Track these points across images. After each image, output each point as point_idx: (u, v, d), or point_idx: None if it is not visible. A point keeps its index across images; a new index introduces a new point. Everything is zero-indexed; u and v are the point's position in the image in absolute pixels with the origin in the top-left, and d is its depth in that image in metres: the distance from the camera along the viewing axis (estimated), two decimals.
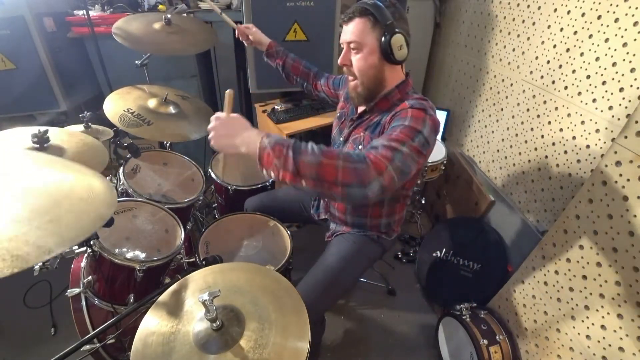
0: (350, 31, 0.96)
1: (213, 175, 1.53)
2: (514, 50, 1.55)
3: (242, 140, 0.77)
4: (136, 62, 1.60)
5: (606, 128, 1.13)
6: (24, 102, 1.86)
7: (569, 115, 1.27)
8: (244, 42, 1.47)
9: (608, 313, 1.00)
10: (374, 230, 1.21)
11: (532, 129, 1.46)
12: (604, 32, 1.12)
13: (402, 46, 0.93)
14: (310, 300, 0.88)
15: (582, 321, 1.08)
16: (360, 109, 1.12)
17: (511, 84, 1.58)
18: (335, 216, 1.26)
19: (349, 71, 1.02)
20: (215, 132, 0.79)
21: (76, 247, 0.94)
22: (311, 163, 0.72)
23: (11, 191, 0.52)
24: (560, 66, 1.30)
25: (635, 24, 1.02)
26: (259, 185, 1.54)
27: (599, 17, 1.13)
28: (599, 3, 1.13)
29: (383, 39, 0.92)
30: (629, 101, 1.05)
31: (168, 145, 1.75)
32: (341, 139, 1.18)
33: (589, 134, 1.19)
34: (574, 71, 1.24)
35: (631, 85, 1.04)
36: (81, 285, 1.05)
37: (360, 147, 1.07)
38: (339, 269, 1.14)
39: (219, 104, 2.35)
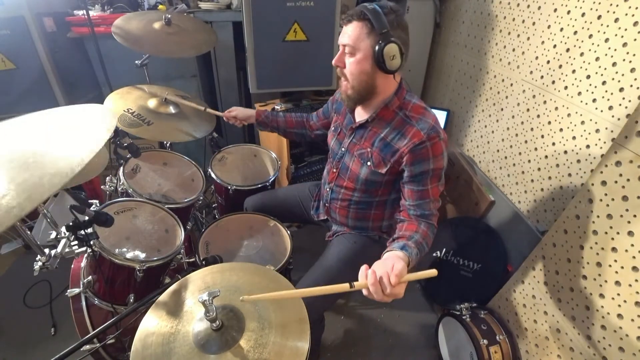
0: (347, 34, 0.95)
1: (213, 175, 1.53)
2: (514, 50, 1.55)
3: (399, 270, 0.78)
4: (136, 62, 1.60)
5: (606, 128, 1.13)
6: (24, 102, 1.86)
7: (569, 115, 1.27)
8: (236, 124, 1.47)
9: (608, 313, 1.00)
10: (376, 230, 1.21)
11: (532, 129, 1.46)
12: (604, 32, 1.12)
13: (394, 56, 0.91)
14: (309, 300, 0.88)
15: (582, 321, 1.08)
16: (359, 117, 1.11)
17: (511, 84, 1.58)
18: (337, 220, 1.26)
19: (342, 73, 1.01)
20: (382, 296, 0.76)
21: (76, 247, 0.94)
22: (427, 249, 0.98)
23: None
24: (560, 66, 1.30)
25: (635, 24, 1.02)
26: (259, 185, 1.54)
27: (599, 17, 1.13)
28: (599, 3, 1.13)
29: (377, 46, 0.90)
30: (629, 101, 1.05)
31: (168, 145, 1.75)
32: (342, 148, 1.16)
33: (589, 134, 1.19)
34: (574, 71, 1.24)
35: (631, 85, 1.04)
36: (81, 285, 1.05)
37: (369, 163, 1.06)
38: (339, 269, 1.14)
39: (219, 104, 2.36)
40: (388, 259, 0.81)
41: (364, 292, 0.76)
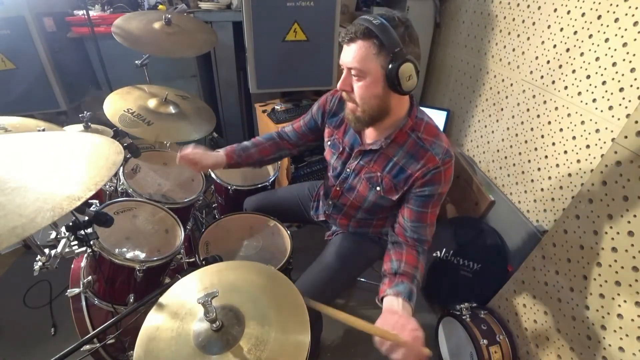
0: (351, 55, 0.82)
1: (213, 175, 1.53)
2: (514, 50, 1.55)
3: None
4: (136, 62, 1.60)
5: (606, 128, 1.13)
6: (24, 102, 1.86)
7: (569, 115, 1.27)
8: (193, 169, 1.21)
9: (608, 313, 1.00)
10: (376, 234, 1.22)
11: (532, 129, 1.46)
12: (604, 32, 1.12)
13: (411, 76, 0.80)
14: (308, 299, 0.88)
15: (582, 321, 1.08)
16: (368, 139, 1.02)
17: (511, 84, 1.58)
18: (337, 225, 1.26)
19: (349, 97, 0.90)
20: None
21: (76, 247, 0.94)
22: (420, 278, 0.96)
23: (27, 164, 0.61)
24: (560, 66, 1.30)
25: (635, 24, 1.02)
26: (259, 185, 1.54)
27: (599, 17, 1.13)
28: (599, 3, 1.13)
29: (390, 66, 0.79)
30: (629, 101, 1.05)
31: (168, 145, 1.75)
32: (347, 169, 1.08)
33: (589, 134, 1.19)
34: (574, 71, 1.24)
35: (631, 85, 1.04)
36: (81, 285, 1.05)
37: (378, 188, 1.00)
38: (338, 268, 1.14)
39: (219, 104, 2.35)
40: (405, 321, 0.83)
41: (381, 348, 0.83)
